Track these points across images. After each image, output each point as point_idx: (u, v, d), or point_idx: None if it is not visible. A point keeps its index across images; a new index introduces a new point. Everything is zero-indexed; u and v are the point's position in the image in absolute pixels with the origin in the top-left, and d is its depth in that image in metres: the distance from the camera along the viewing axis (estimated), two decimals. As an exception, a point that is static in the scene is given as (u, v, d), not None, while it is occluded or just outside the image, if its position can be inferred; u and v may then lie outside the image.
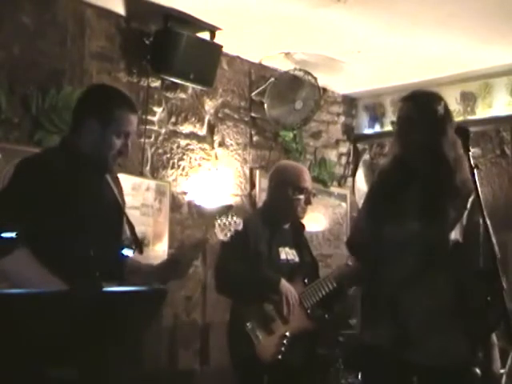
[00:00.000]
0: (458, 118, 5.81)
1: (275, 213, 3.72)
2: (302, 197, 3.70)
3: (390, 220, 2.79)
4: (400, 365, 2.69)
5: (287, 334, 3.48)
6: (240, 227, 2.96)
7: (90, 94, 2.85)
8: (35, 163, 2.64)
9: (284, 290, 3.50)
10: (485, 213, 2.32)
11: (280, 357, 3.43)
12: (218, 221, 2.92)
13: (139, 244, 2.78)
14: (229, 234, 2.92)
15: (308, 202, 3.74)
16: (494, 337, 2.71)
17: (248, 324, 3.45)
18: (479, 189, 2.34)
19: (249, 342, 3.44)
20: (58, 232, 2.48)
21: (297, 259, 3.71)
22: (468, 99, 5.84)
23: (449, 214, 2.73)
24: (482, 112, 5.79)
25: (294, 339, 3.49)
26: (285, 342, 3.46)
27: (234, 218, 2.95)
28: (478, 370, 2.70)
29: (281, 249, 3.67)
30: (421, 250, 2.72)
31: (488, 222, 2.34)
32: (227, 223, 2.92)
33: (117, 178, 2.87)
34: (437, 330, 2.68)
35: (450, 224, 2.74)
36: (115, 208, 2.78)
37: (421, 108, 2.79)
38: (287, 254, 3.69)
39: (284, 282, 3.52)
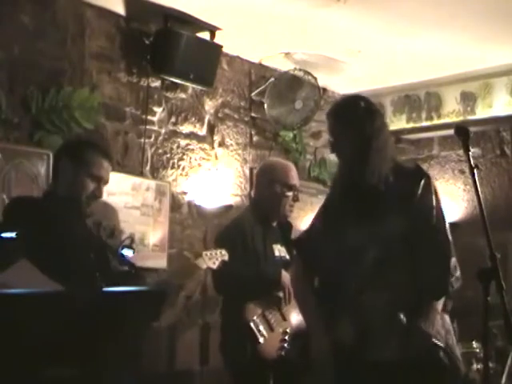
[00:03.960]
0: (458, 118, 5.82)
1: (264, 210, 3.73)
2: (289, 194, 3.71)
3: (339, 223, 2.82)
4: (360, 363, 2.70)
5: (288, 330, 3.49)
6: (226, 258, 3.14)
7: (66, 142, 3.19)
8: (21, 205, 2.84)
9: (287, 282, 3.49)
10: (484, 212, 2.32)
11: (283, 353, 3.44)
12: (205, 253, 3.08)
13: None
14: (216, 263, 3.09)
15: (296, 199, 3.76)
16: (438, 305, 2.70)
17: (252, 321, 3.44)
18: (479, 189, 2.34)
19: (251, 339, 3.43)
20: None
21: (287, 256, 3.71)
22: (468, 99, 5.83)
23: (387, 208, 2.74)
24: (481, 112, 5.78)
25: (295, 335, 3.48)
26: (286, 337, 3.47)
27: (220, 250, 3.14)
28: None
29: (274, 246, 3.69)
30: (368, 248, 2.73)
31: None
32: (214, 254, 3.10)
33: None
34: (392, 324, 2.69)
35: (395, 218, 2.73)
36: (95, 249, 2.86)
37: (335, 116, 2.91)
38: (280, 250, 3.71)
39: (285, 274, 3.52)
